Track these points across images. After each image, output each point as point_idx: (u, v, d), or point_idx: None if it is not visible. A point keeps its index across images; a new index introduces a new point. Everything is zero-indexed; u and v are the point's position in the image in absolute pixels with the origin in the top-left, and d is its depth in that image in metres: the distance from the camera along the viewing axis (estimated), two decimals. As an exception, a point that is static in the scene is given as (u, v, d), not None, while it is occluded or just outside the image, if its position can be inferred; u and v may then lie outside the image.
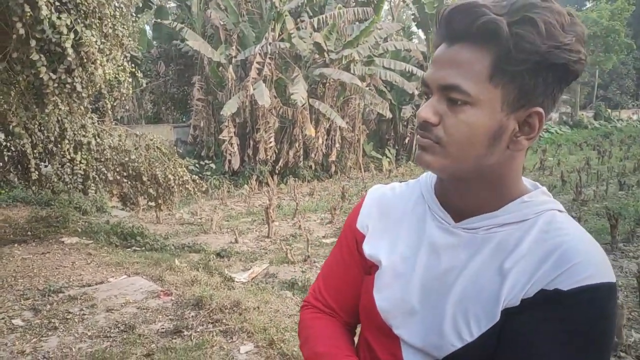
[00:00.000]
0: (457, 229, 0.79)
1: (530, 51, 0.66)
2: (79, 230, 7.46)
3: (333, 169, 14.06)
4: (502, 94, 0.69)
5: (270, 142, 12.68)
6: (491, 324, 0.73)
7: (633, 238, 6.75)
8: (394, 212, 0.89)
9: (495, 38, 0.67)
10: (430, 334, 0.78)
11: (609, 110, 30.78)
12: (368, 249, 0.89)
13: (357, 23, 14.26)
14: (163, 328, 3.88)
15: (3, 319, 4.02)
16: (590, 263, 0.68)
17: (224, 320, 4.03)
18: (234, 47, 12.66)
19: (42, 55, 4.14)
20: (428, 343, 0.78)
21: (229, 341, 3.69)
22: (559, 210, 0.77)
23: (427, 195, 0.85)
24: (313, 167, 13.70)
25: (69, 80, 4.22)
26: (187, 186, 7.24)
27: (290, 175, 12.86)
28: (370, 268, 0.89)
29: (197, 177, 7.85)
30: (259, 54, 12.04)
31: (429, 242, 0.81)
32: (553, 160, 16.19)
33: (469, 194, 0.78)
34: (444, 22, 0.71)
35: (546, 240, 0.72)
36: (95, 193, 7.29)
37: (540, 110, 0.71)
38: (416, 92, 15.43)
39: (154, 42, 15.16)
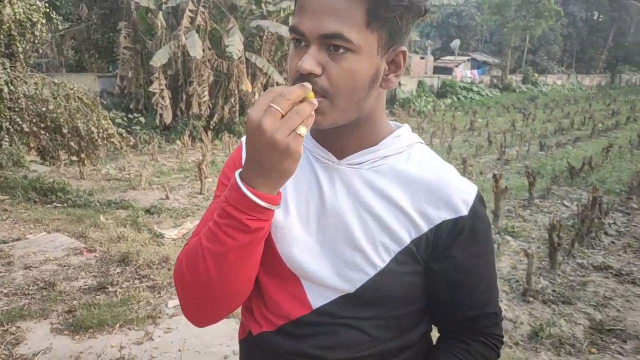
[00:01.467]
0: (341, 165, 0.83)
1: (395, 12, 0.71)
2: (-7, 185, 6.93)
3: (270, 125, 13.88)
4: (377, 38, 0.72)
5: (205, 96, 12.23)
6: (399, 249, 0.80)
7: (548, 195, 7.25)
8: None
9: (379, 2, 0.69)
10: (340, 269, 0.80)
11: (536, 75, 32.35)
12: None
13: (296, -26, 13.80)
14: (86, 285, 3.74)
15: None
16: (464, 182, 0.84)
17: (152, 276, 3.94)
18: (164, -7, 11.88)
19: None
20: (340, 277, 0.80)
21: (157, 296, 3.63)
22: (421, 142, 0.89)
23: (306, 141, 0.85)
24: (249, 123, 13.44)
25: (-30, 17, 3.79)
26: (112, 140, 6.87)
27: (225, 131, 12.55)
28: None
29: (124, 130, 7.46)
30: (192, 1, 11.39)
31: (317, 182, 0.83)
32: (482, 122, 16.90)
33: (349, 133, 0.81)
34: None
35: (426, 172, 0.83)
36: (10, 145, 6.79)
37: (404, 48, 0.77)
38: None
39: (75, -17, 13.92)
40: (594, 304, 3.89)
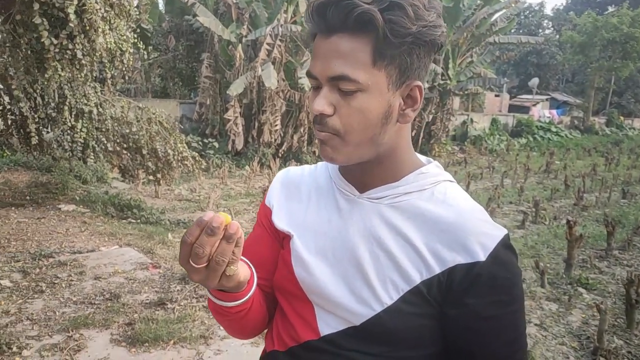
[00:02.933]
0: (361, 199, 0.85)
1: (404, 34, 0.71)
2: (77, 198, 7.50)
3: (337, 156, 14.04)
4: (386, 75, 0.74)
5: (276, 125, 12.64)
6: (408, 288, 0.78)
7: (629, 247, 6.69)
8: (304, 189, 0.94)
9: (371, 27, 0.70)
10: (350, 301, 0.81)
11: (622, 118, 30.44)
12: (278, 221, 0.93)
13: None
14: (147, 299, 3.90)
15: (-9, 278, 4.06)
16: (487, 224, 0.80)
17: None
18: (245, 27, 12.56)
19: (44, 19, 4.12)
20: (346, 309, 0.81)
21: (211, 317, 3.71)
22: (450, 181, 0.86)
23: (333, 173, 0.91)
24: (317, 153, 13.66)
25: (70, 46, 4.21)
26: (186, 162, 7.24)
27: (293, 160, 12.83)
28: (283, 240, 0.93)
29: (197, 154, 7.84)
30: (270, 35, 11.94)
31: (337, 214, 0.86)
32: (560, 164, 16.06)
33: (370, 168, 0.83)
34: (317, 15, 0.74)
35: (446, 211, 0.80)
36: (95, 162, 7.34)
37: (419, 83, 0.78)
38: (426, 85, 15.26)
39: (166, 16, 15.06)
40: (677, 372, 3.50)
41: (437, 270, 0.77)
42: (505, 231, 0.80)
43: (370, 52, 0.72)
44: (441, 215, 0.80)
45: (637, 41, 25.46)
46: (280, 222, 0.92)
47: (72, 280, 4.15)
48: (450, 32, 17.70)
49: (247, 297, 0.81)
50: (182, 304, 3.87)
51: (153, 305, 3.80)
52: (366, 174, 0.84)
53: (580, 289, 5.16)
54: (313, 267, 0.85)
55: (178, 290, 4.15)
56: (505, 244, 0.79)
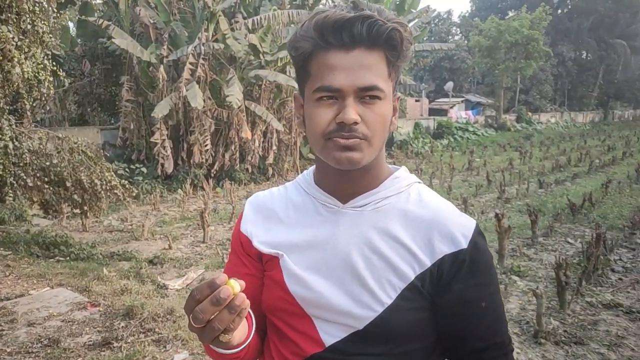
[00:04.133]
0: (345, 209, 0.90)
1: (407, 53, 0.83)
2: (-5, 240, 6.92)
3: (270, 171, 13.98)
4: (393, 85, 0.85)
5: (206, 145, 12.40)
6: (404, 285, 0.84)
7: (551, 233, 7.24)
8: (279, 210, 0.97)
9: (391, 43, 0.80)
10: (350, 307, 0.85)
11: (530, 114, 32.93)
12: (261, 245, 0.94)
13: (292, 25, 14.27)
14: (90, 340, 3.68)
15: None
16: (461, 215, 0.89)
17: (157, 329, 3.89)
18: (165, 47, 12.25)
19: (-51, 51, 3.81)
20: (349, 315, 0.85)
21: (162, 350, 3.57)
22: (418, 182, 0.95)
23: (310, 189, 0.95)
24: (250, 170, 13.55)
25: (-19, 78, 3.91)
26: (115, 191, 6.91)
27: (227, 179, 12.63)
28: (266, 263, 0.94)
29: (126, 181, 7.51)
30: (192, 54, 11.74)
31: (323, 228, 0.90)
32: (480, 161, 17.05)
33: (357, 178, 0.88)
34: (339, 30, 0.78)
35: (424, 210, 0.89)
36: (14, 200, 6.81)
37: (399, 94, 0.90)
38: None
39: (78, 40, 14.34)
40: (607, 343, 3.83)
41: (428, 263, 0.84)
42: (474, 221, 0.90)
43: (385, 64, 0.82)
44: (423, 214, 0.88)
45: (537, 42, 27.71)
46: (264, 245, 0.94)
47: (3, 330, 3.82)
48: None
49: (244, 345, 0.82)
50: (129, 341, 3.69)
51: (98, 346, 3.59)
52: (350, 183, 0.89)
53: (514, 277, 5.51)
54: (309, 282, 0.87)
55: (123, 326, 3.95)
56: (478, 231, 0.88)
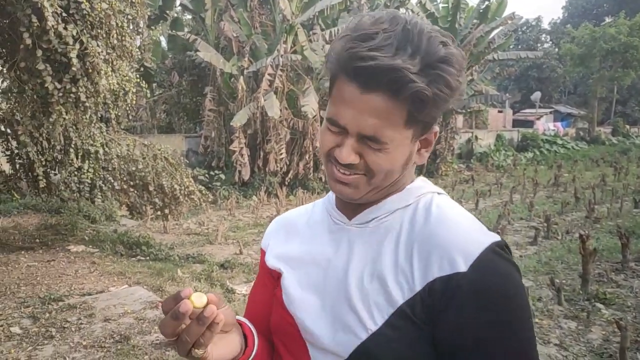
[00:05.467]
0: (350, 225, 0.84)
1: (442, 106, 0.73)
2: (86, 238, 7.51)
3: (343, 181, 14.02)
4: (413, 132, 0.75)
5: (281, 154, 12.70)
6: (392, 310, 0.73)
7: (646, 258, 6.55)
8: (300, 225, 0.94)
9: (418, 100, 0.70)
10: (336, 331, 0.77)
11: (627, 126, 30.32)
12: (270, 260, 0.94)
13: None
14: (158, 339, 3.85)
15: (1, 326, 4.04)
16: (472, 234, 0.74)
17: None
18: (246, 59, 12.76)
19: (48, 65, 4.21)
20: (335, 341, 0.77)
21: (223, 355, 3.66)
22: (437, 192, 0.84)
23: (327, 204, 0.91)
24: (323, 180, 13.67)
25: (74, 89, 4.28)
26: (192, 196, 7.26)
27: (300, 187, 12.84)
28: (277, 280, 0.91)
29: (203, 187, 7.87)
30: (271, 65, 12.12)
31: (328, 244, 0.85)
32: (568, 177, 15.93)
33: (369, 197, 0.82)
34: (362, 70, 0.69)
35: (428, 223, 0.77)
36: (103, 202, 7.37)
37: (437, 129, 0.79)
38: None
39: (169, 53, 15.36)
40: None
41: (418, 287, 0.72)
42: (495, 238, 0.73)
43: (405, 115, 0.71)
44: (424, 228, 0.76)
45: (636, 50, 25.54)
46: (271, 260, 0.93)
47: (81, 324, 4.11)
48: (449, 52, 17.87)
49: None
50: (193, 342, 3.83)
51: (164, 345, 3.75)
52: (363, 201, 0.82)
53: (599, 305, 5.03)
54: (300, 302, 0.83)
55: (188, 328, 4.10)
56: (493, 251, 0.71)
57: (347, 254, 0.81)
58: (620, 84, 28.45)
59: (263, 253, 0.98)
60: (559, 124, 29.09)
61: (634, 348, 3.86)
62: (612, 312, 4.84)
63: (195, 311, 0.65)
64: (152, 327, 4.09)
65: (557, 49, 36.12)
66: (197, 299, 0.66)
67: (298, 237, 0.92)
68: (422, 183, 0.85)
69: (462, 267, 0.69)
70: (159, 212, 7.64)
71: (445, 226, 0.75)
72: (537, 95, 30.81)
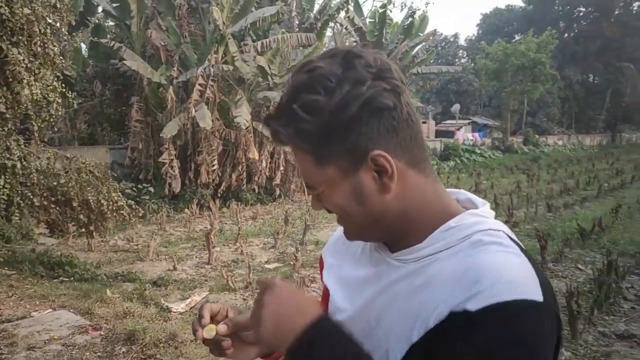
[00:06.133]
0: (390, 258, 0.81)
1: (333, 139, 0.73)
2: (1, 259, 6.89)
3: (277, 192, 13.96)
4: (335, 167, 0.74)
5: (213, 165, 12.43)
6: (406, 347, 0.71)
7: (561, 258, 7.12)
8: (351, 246, 0.92)
9: (294, 139, 0.74)
10: None
11: (537, 136, 32.88)
12: (324, 274, 0.97)
13: (300, 48, 14.44)
14: (91, 366, 3.62)
15: None
16: (500, 280, 0.65)
17: (158, 355, 3.82)
18: (175, 68, 12.40)
19: (-40, 73, 3.86)
20: None
21: (164, 377, 3.50)
22: (489, 230, 0.75)
23: None
24: (256, 191, 13.54)
25: (-9, 100, 3.95)
26: (121, 212, 6.90)
27: (233, 199, 12.62)
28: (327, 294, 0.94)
29: (133, 202, 7.51)
30: (202, 75, 11.87)
31: (368, 272, 0.84)
32: (487, 183, 16.96)
33: (392, 235, 0.81)
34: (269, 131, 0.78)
35: (462, 263, 0.71)
36: (20, 220, 6.82)
37: (378, 151, 0.72)
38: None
39: (90, 61, 14.58)
40: (622, 377, 3.71)
41: (431, 324, 0.68)
42: (527, 296, 0.65)
43: (312, 159, 0.75)
44: (455, 268, 0.70)
45: (543, 65, 27.86)
46: (325, 278, 0.96)
47: (2, 354, 3.77)
48: (376, 65, 18.48)
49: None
50: (130, 366, 3.63)
51: (99, 371, 3.53)
52: (391, 237, 0.81)
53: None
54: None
55: (124, 352, 3.89)
56: (520, 307, 0.64)
57: (382, 287, 0.79)
58: (530, 97, 30.83)
59: (322, 263, 1.00)
60: (476, 134, 30.93)
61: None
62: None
63: (212, 338, 0.87)
64: (83, 354, 3.84)
65: (473, 64, 38.53)
66: (206, 333, 0.83)
67: (347, 255, 0.92)
68: (472, 219, 0.77)
69: (472, 305, 0.65)
70: (83, 229, 7.19)
71: (478, 263, 0.69)
72: (456, 107, 32.59)
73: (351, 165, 0.74)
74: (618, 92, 41.03)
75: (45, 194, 6.40)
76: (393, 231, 0.79)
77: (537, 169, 22.27)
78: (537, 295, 0.65)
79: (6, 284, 5.69)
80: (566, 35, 42.37)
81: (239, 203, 12.33)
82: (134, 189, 11.56)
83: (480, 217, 0.78)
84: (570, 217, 10.48)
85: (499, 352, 0.63)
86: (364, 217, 0.76)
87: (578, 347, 4.25)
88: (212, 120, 11.75)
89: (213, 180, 12.56)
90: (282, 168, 13.81)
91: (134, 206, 7.33)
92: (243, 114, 11.51)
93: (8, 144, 5.46)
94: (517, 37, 38.09)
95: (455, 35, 48.15)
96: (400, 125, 0.74)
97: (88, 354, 3.84)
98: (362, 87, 0.71)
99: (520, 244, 0.77)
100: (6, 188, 5.67)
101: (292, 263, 6.91)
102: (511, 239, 0.75)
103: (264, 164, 13.23)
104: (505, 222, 8.02)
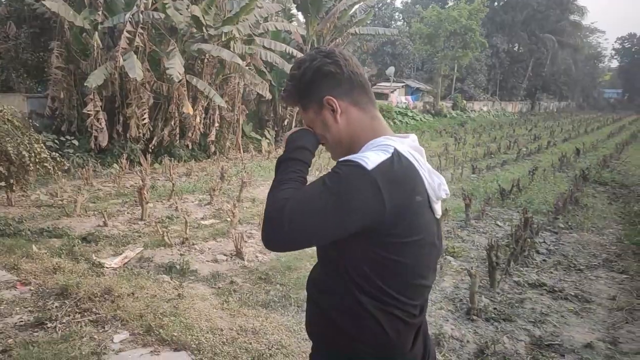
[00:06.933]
0: None
1: (300, 93, 1.34)
2: None
3: (212, 149, 13.65)
4: (311, 110, 1.33)
5: (144, 119, 11.86)
6: None
7: (483, 216, 7.65)
8: None
9: (294, 98, 1.37)
10: None
11: (465, 102, 34.29)
12: None
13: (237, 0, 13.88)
14: (22, 321, 3.50)
15: None
16: (357, 155, 1.17)
17: (94, 309, 3.75)
18: (100, 13, 11.49)
19: None
20: None
21: (101, 331, 3.46)
22: (387, 144, 1.20)
23: None
24: (190, 147, 13.16)
25: None
26: (45, 164, 6.51)
27: (166, 155, 12.20)
28: None
29: (58, 154, 7.08)
30: (130, 22, 11.11)
31: None
32: (418, 145, 17.55)
33: (349, 152, 1.26)
34: None
35: None
36: None
37: (327, 97, 1.28)
38: (295, 75, 15.55)
39: (2, 0, 13.17)
40: (532, 320, 4.14)
41: None
42: (361, 163, 1.12)
43: (301, 108, 1.36)
44: None
45: (474, 32, 28.76)
46: None
47: None
48: (315, 22, 18.19)
49: None
50: (64, 321, 3.55)
51: (30, 326, 3.42)
52: (349, 154, 1.23)
53: (449, 257, 5.79)
54: None
55: (57, 306, 3.78)
56: (354, 163, 1.14)
57: None
58: (460, 63, 31.87)
59: None
60: (409, 97, 31.70)
61: (478, 292, 4.54)
62: (460, 263, 5.62)
63: None
64: (13, 309, 3.69)
65: (408, 28, 38.97)
66: None
67: None
68: (381, 139, 1.24)
69: None
70: (2, 182, 6.73)
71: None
72: (391, 70, 33.03)
73: (318, 107, 1.30)
74: (539, 62, 43.47)
75: (-43, 144, 5.90)
76: (349, 150, 1.27)
77: (464, 133, 23.37)
78: (368, 166, 1.11)
79: None
80: (496, 4, 43.77)
81: (172, 159, 11.97)
82: (56, 141, 10.85)
83: (388, 139, 1.23)
84: (491, 178, 11.20)
85: (330, 174, 1.14)
86: (332, 141, 1.31)
87: (495, 295, 4.67)
88: (143, 71, 11.13)
89: (144, 134, 12.03)
90: (217, 124, 13.47)
91: (58, 159, 6.93)
92: (176, 66, 10.99)
93: None
94: (450, 3, 38.84)
95: (392, -3, 48.19)
96: (343, 81, 1.28)
97: (18, 308, 3.68)
98: (314, 62, 1.29)
99: (409, 156, 1.19)
100: None
101: (228, 220, 6.90)
102: (399, 152, 1.18)
103: (197, 119, 12.83)
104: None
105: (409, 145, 1.22)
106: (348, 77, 1.26)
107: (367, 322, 1.15)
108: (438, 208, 1.26)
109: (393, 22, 44.69)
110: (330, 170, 1.14)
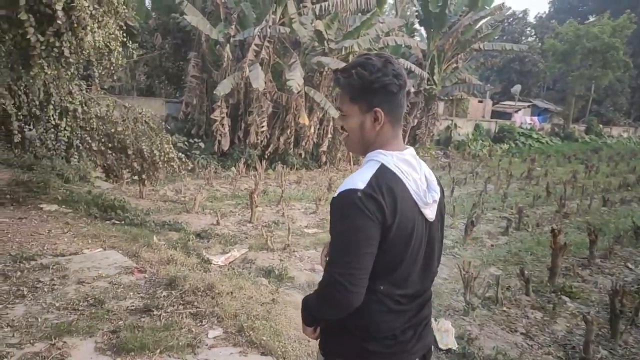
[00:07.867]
0: None
1: (360, 91, 1.44)
2: (59, 198, 7.32)
3: (323, 159, 13.99)
4: (359, 107, 1.46)
5: (262, 127, 12.56)
6: None
7: (611, 255, 6.81)
8: None
9: (350, 88, 1.46)
10: None
11: (601, 126, 31.05)
12: None
13: (359, 14, 14.11)
14: (133, 305, 3.83)
15: (-30, 282, 3.94)
16: (343, 184, 1.37)
17: (196, 303, 3.98)
18: (233, 27, 12.45)
19: (30, 16, 4.01)
20: None
21: (198, 324, 3.65)
22: (374, 160, 1.43)
23: None
24: (303, 156, 13.63)
25: (57, 44, 4.11)
26: (172, 163, 7.14)
27: (279, 162, 12.78)
28: None
29: (183, 155, 7.74)
30: (258, 36, 11.87)
31: None
32: (541, 171, 16.30)
33: (364, 152, 1.51)
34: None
35: None
36: (78, 162, 7.19)
37: (378, 109, 1.44)
38: (412, 90, 15.39)
39: (153, 13, 14.87)
40: (661, 383, 3.56)
41: None
42: (351, 187, 1.34)
43: (349, 98, 1.47)
44: None
45: (617, 51, 26.02)
46: None
47: (54, 285, 4.04)
48: (437, 37, 17.82)
49: None
50: (168, 310, 3.80)
51: (138, 312, 3.72)
52: (363, 153, 1.51)
53: (565, 298, 5.23)
54: None
55: (164, 296, 4.07)
56: (344, 193, 1.35)
57: None
58: (598, 84, 29.02)
59: None
60: (535, 118, 29.59)
61: (596, 341, 4.03)
62: (577, 305, 5.04)
63: None
64: (127, 293, 4.05)
65: (540, 44, 36.48)
66: None
67: None
68: (374, 154, 1.45)
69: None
70: (136, 177, 7.51)
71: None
72: (517, 88, 31.15)
73: (365, 109, 1.45)
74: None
75: (103, 140, 6.71)
76: (363, 150, 1.50)
77: (597, 160, 21.15)
78: (359, 186, 1.33)
79: (62, 221, 6.05)
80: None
81: (285, 166, 12.47)
82: (186, 143, 11.89)
83: (380, 153, 1.44)
84: (626, 213, 9.95)
85: (332, 213, 1.38)
86: (359, 138, 1.49)
87: (617, 347, 4.10)
88: (265, 82, 11.79)
89: (261, 141, 12.72)
90: (330, 135, 13.78)
91: (184, 159, 7.55)
92: (296, 78, 11.48)
93: (70, 87, 5.70)
94: (591, 19, 35.60)
95: (525, 12, 45.58)
96: (395, 102, 1.45)
97: (132, 293, 4.05)
98: (385, 77, 1.41)
99: (394, 168, 1.41)
100: (67, 130, 5.97)
101: (331, 230, 6.97)
102: (385, 165, 1.41)
103: (312, 129, 13.24)
104: (556, 212, 7.73)
105: (397, 158, 1.43)
106: (400, 99, 1.45)
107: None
108: (429, 212, 1.45)
109: (524, 38, 42.15)
110: (330, 208, 1.39)
